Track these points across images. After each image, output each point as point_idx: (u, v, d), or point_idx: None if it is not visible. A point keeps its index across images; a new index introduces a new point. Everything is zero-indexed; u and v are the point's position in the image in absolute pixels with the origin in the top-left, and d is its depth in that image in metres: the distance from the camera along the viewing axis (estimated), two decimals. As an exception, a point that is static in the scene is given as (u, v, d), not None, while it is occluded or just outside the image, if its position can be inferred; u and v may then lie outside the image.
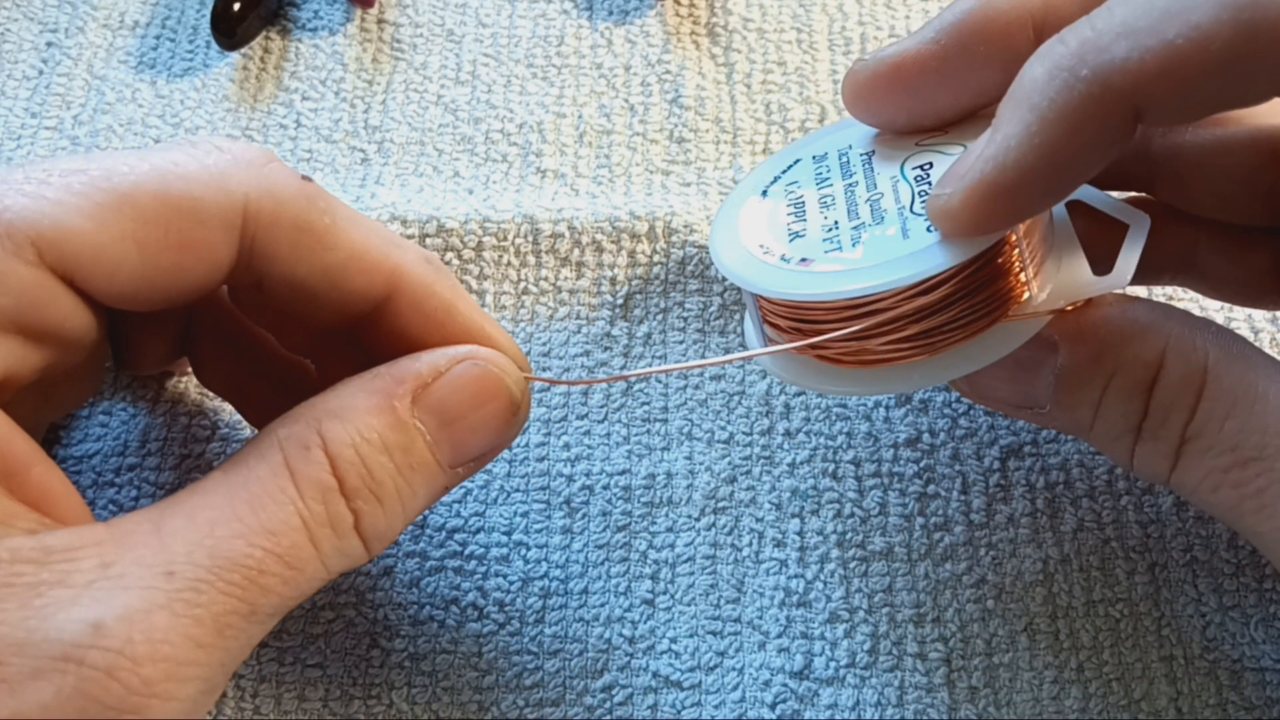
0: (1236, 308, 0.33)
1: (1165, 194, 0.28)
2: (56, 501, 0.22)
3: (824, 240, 0.25)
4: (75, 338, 0.23)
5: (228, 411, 0.32)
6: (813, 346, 0.25)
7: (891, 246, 0.23)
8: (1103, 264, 0.24)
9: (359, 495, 0.23)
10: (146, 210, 0.23)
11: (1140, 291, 0.33)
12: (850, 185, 0.26)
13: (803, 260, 0.24)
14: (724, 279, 0.34)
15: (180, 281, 0.24)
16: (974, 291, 0.24)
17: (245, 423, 0.31)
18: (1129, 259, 0.24)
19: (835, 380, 0.25)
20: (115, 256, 0.22)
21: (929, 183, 0.24)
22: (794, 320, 0.25)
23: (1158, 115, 0.21)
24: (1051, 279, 0.25)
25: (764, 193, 0.27)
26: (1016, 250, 0.24)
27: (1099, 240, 0.25)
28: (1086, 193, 0.26)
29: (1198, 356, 0.23)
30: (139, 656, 0.20)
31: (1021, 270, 0.24)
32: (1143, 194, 0.29)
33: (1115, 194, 0.27)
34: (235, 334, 0.29)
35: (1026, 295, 0.24)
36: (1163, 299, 0.33)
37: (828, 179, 0.26)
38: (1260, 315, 0.33)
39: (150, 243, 0.23)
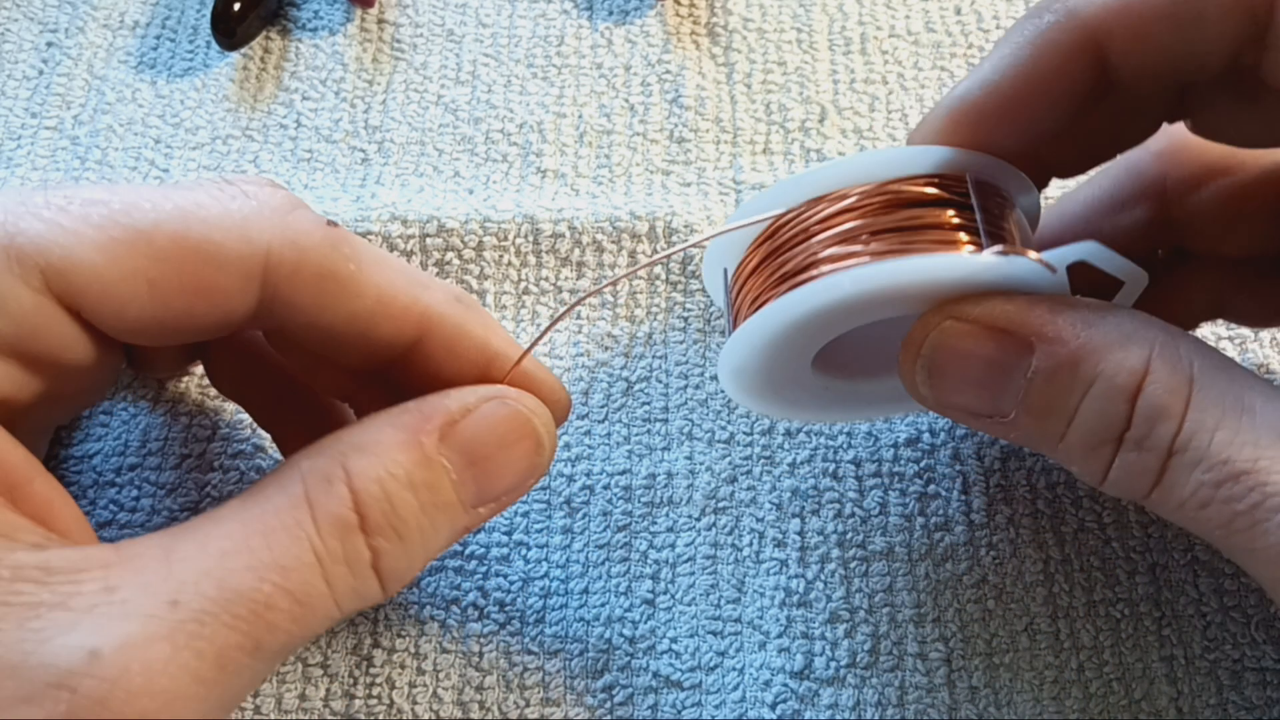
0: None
1: (1195, 245, 0.29)
2: (57, 515, 0.22)
3: None
4: (78, 365, 0.23)
5: (228, 411, 0.32)
6: (755, 297, 0.24)
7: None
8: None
9: (381, 532, 0.22)
10: (163, 250, 0.22)
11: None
12: None
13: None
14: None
15: (193, 324, 0.23)
16: (915, 207, 0.23)
17: (246, 422, 0.31)
18: (1123, 299, 0.24)
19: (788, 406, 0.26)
20: (125, 293, 0.22)
21: None
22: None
23: (1120, 57, 0.23)
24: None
25: None
26: (967, 201, 0.23)
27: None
28: (1090, 250, 0.24)
29: (1183, 365, 0.22)
30: (135, 689, 0.19)
31: (971, 225, 0.23)
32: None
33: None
34: (250, 342, 0.29)
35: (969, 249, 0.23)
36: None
37: None
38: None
39: (163, 283, 0.22)
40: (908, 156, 0.24)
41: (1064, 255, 0.23)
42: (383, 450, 0.22)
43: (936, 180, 0.23)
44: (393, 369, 0.26)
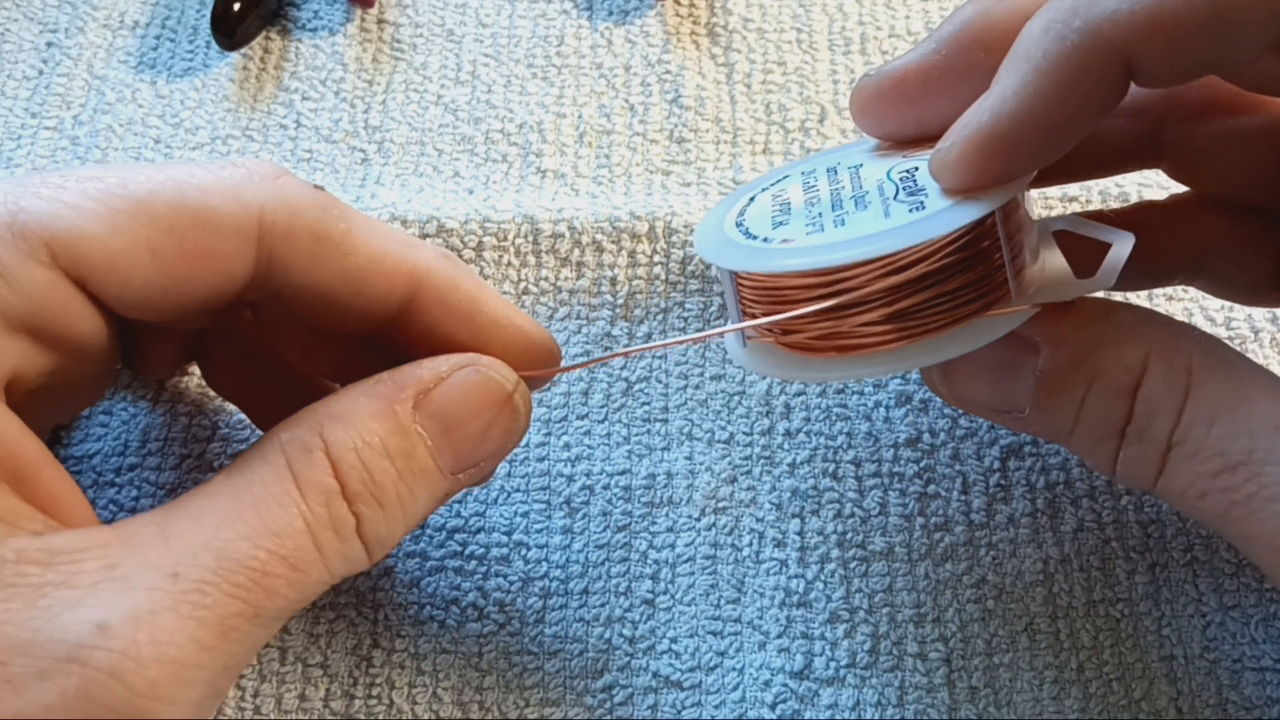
0: (1239, 306, 0.33)
1: (1175, 172, 0.28)
2: (64, 505, 0.22)
3: (806, 224, 0.25)
4: (86, 342, 0.23)
5: (228, 411, 0.32)
6: (785, 330, 0.25)
7: (871, 225, 0.23)
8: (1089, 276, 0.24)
9: (360, 499, 0.23)
10: (162, 218, 0.23)
11: (1131, 297, 0.33)
12: (836, 188, 0.26)
13: (784, 241, 0.24)
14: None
15: (194, 291, 0.24)
16: (948, 277, 0.23)
17: (246, 422, 0.31)
18: (1114, 263, 0.24)
19: (806, 368, 0.25)
20: (129, 263, 0.22)
21: (914, 182, 0.24)
22: (770, 303, 0.25)
23: (1149, 70, 0.22)
24: (1034, 281, 0.25)
25: (751, 198, 0.27)
26: (995, 242, 0.23)
27: (1088, 260, 0.25)
28: (1073, 221, 0.26)
29: (1182, 360, 0.23)
30: (144, 658, 0.20)
31: (1001, 265, 0.24)
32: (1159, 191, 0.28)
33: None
34: (246, 341, 0.29)
35: (1006, 291, 0.24)
36: (1163, 297, 0.33)
37: (814, 185, 0.26)
38: (1260, 315, 0.33)
39: (165, 251, 0.23)
40: (940, 219, 0.23)
41: (1049, 224, 0.25)
42: (358, 420, 0.23)
43: (967, 236, 0.23)
44: (386, 333, 0.26)
